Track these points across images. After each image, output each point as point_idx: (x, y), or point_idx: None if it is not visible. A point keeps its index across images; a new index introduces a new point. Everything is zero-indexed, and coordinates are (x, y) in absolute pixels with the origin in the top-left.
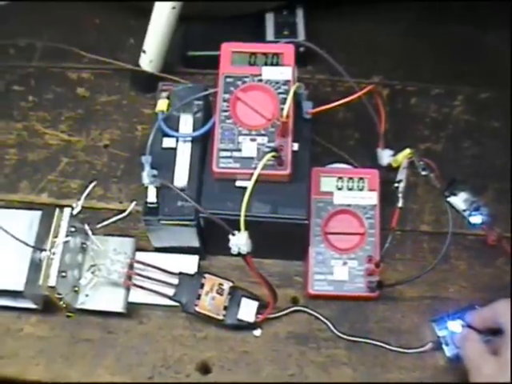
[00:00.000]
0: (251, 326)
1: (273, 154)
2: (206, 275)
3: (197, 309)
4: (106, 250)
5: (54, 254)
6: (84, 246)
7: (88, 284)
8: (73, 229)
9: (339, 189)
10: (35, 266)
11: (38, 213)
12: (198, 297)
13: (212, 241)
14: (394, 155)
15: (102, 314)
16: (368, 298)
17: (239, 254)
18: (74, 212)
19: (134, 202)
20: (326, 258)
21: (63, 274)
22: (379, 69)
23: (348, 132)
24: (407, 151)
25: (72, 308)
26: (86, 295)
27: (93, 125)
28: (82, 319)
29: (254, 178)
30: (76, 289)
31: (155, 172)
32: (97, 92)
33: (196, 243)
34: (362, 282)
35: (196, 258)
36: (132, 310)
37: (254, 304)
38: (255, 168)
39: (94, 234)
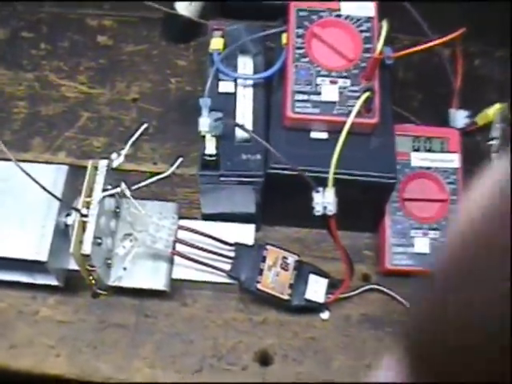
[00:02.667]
0: (319, 308)
1: (368, 94)
2: (268, 246)
3: (259, 286)
4: (148, 215)
5: (87, 215)
6: (117, 210)
7: (126, 255)
8: (109, 187)
9: (416, 150)
10: (61, 233)
11: (64, 167)
12: (260, 272)
13: (272, 206)
14: (471, 117)
15: (137, 294)
16: None
17: (322, 218)
18: (115, 164)
19: (181, 159)
20: (404, 228)
21: (98, 240)
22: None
23: (410, 92)
24: (497, 106)
25: (103, 285)
26: (124, 269)
27: (118, 76)
28: (113, 300)
29: (348, 123)
30: (109, 261)
31: (219, 114)
32: (121, 41)
33: (252, 209)
34: None
35: (252, 227)
36: (174, 289)
37: (324, 282)
38: (338, 115)
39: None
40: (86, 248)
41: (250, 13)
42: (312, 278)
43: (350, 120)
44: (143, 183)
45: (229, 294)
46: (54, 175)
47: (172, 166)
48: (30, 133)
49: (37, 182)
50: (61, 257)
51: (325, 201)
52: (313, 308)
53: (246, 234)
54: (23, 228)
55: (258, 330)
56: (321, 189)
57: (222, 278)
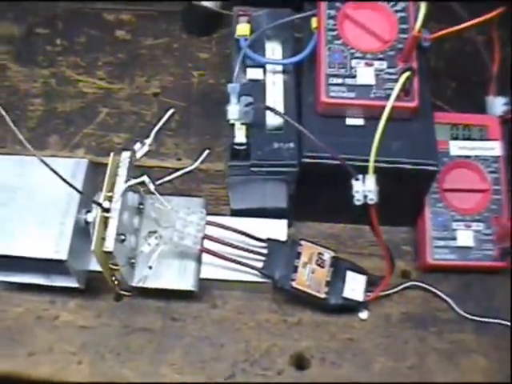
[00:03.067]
0: (358, 307)
1: (408, 74)
2: (303, 242)
3: (294, 284)
4: (174, 211)
5: (109, 210)
6: (141, 207)
7: (152, 253)
8: (132, 180)
9: (454, 138)
10: (81, 231)
11: (84, 161)
12: (294, 269)
13: (305, 199)
14: (509, 104)
15: (163, 296)
16: (497, 268)
17: (362, 208)
18: (138, 155)
19: (207, 151)
20: (445, 220)
21: (122, 237)
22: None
23: (443, 81)
24: None
25: (127, 286)
26: (150, 267)
27: (137, 71)
28: (137, 303)
29: (389, 107)
30: (133, 261)
31: (250, 99)
32: (140, 35)
33: (284, 203)
34: (490, 249)
35: (284, 222)
36: (202, 289)
37: (362, 279)
38: (375, 98)
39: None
40: (109, 245)
41: (271, 1)
42: (350, 275)
43: (390, 103)
44: (168, 178)
45: (261, 294)
46: (73, 169)
47: (197, 160)
48: (46, 130)
49: (56, 173)
50: (81, 257)
51: (365, 189)
52: (351, 307)
53: (278, 229)
54: (40, 226)
55: (292, 332)
56: (360, 176)
57: (254, 277)
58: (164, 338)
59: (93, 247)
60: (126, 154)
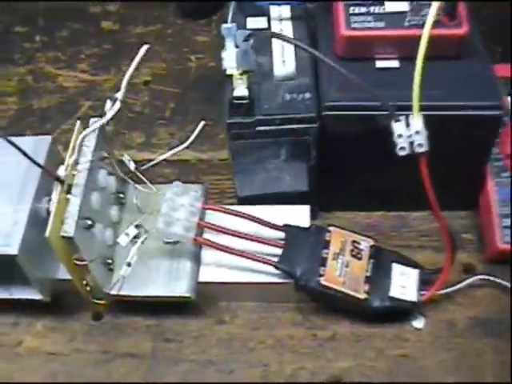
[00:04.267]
0: (410, 311)
1: None
2: (331, 228)
3: (323, 281)
4: (161, 195)
5: (70, 186)
6: (121, 197)
7: (131, 245)
8: (105, 154)
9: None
10: (41, 223)
11: (47, 138)
12: (322, 263)
13: (331, 178)
14: None
15: (153, 311)
16: None
17: (409, 158)
18: (109, 115)
19: (203, 122)
20: None
21: (88, 222)
22: None
23: (489, 46)
24: None
25: (101, 294)
26: (128, 264)
27: (125, 60)
28: (121, 322)
29: (427, 30)
30: (109, 261)
31: (247, 32)
32: (129, 24)
33: (304, 183)
34: None
35: (306, 208)
36: (205, 301)
37: (414, 273)
38: (410, 27)
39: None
40: (68, 228)
41: None
42: (396, 268)
43: (428, 25)
44: (155, 161)
45: (280, 302)
46: (33, 147)
47: (191, 135)
48: (19, 129)
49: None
50: (44, 259)
51: (411, 131)
52: (401, 310)
53: (298, 218)
54: None
55: (325, 350)
56: (403, 118)
57: (270, 277)
58: (155, 365)
59: (47, 232)
60: (94, 120)
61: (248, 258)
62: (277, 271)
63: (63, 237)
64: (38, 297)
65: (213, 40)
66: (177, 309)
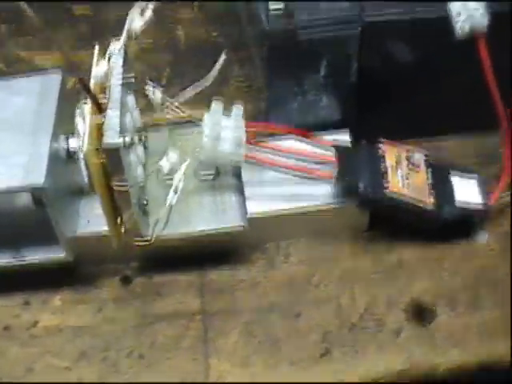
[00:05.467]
0: (479, 220)
1: None
2: (383, 142)
3: (390, 192)
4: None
5: (100, 104)
6: (143, 138)
7: (175, 170)
8: (132, 77)
9: None
10: (60, 166)
11: (56, 76)
12: (382, 176)
13: (370, 95)
14: None
15: (189, 265)
16: None
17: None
18: (138, 23)
19: (224, 55)
20: None
21: (127, 139)
22: None
23: None
24: None
25: (138, 238)
26: (175, 191)
27: (107, 39)
28: (154, 282)
29: None
30: (144, 202)
31: None
32: (103, 7)
33: (342, 109)
34: None
35: (346, 132)
36: (249, 241)
37: (473, 179)
38: None
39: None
40: (111, 138)
41: None
42: (455, 177)
43: None
44: (183, 97)
45: (336, 234)
46: (43, 86)
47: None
48: None
49: None
50: (64, 208)
51: (470, 6)
52: (471, 217)
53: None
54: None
55: (396, 276)
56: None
57: (325, 200)
58: (209, 321)
59: (84, 147)
60: (115, 41)
61: (305, 172)
62: (329, 195)
63: (105, 150)
64: (61, 254)
65: (198, 15)
66: (218, 259)
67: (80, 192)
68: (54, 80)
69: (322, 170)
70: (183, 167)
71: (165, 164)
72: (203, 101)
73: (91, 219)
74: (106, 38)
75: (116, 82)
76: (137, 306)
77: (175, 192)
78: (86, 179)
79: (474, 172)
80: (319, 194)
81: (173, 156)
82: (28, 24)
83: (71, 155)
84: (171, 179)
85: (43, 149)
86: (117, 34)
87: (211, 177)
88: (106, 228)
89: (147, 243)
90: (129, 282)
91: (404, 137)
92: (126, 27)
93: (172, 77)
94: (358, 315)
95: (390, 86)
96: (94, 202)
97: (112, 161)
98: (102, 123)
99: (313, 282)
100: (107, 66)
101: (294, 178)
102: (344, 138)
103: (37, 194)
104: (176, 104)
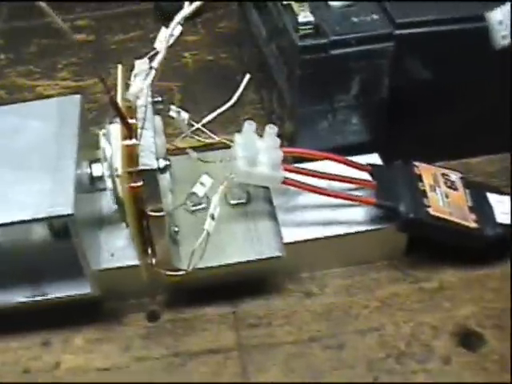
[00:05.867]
0: None
1: None
2: (417, 163)
3: (432, 212)
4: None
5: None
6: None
7: (211, 193)
8: (159, 98)
9: None
10: (84, 194)
11: (76, 97)
12: (422, 195)
13: (400, 116)
14: None
15: (220, 297)
16: None
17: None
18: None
19: (248, 75)
20: None
21: (162, 161)
22: None
23: None
24: None
25: (171, 265)
26: (212, 217)
27: (112, 64)
28: (185, 317)
29: None
30: (175, 230)
31: None
32: (106, 33)
33: (372, 130)
34: None
35: (375, 156)
36: (283, 270)
37: (507, 200)
38: None
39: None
40: (148, 159)
41: None
42: (491, 196)
43: None
44: (201, 123)
45: (370, 260)
46: (63, 108)
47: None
48: None
49: None
50: (90, 238)
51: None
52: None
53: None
54: (22, 184)
55: (439, 301)
56: (497, 6)
57: (361, 226)
58: (247, 356)
59: (120, 169)
60: (141, 61)
61: (343, 198)
62: (363, 220)
63: (143, 172)
64: (86, 290)
65: (203, 38)
66: (250, 289)
67: (100, 223)
68: (73, 103)
69: (364, 195)
70: (220, 191)
71: (199, 189)
72: (215, 126)
73: (115, 252)
74: (111, 63)
75: (147, 102)
76: (168, 343)
77: (212, 218)
78: (112, 207)
79: (505, 192)
80: (355, 217)
81: (207, 180)
82: (25, 53)
83: (94, 182)
84: (195, 206)
85: (68, 174)
86: (119, 59)
87: (242, 202)
88: (131, 261)
89: (181, 275)
90: (156, 317)
91: (433, 159)
92: (158, 44)
93: (185, 102)
94: (404, 343)
95: (420, 104)
96: (115, 234)
97: (149, 184)
98: (135, 145)
99: (352, 311)
100: (138, 85)
101: (326, 201)
102: (374, 161)
103: (61, 223)
104: (200, 127)
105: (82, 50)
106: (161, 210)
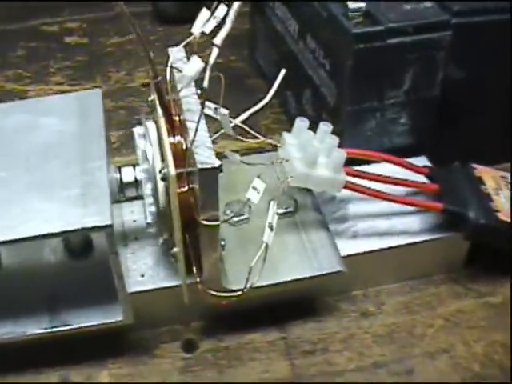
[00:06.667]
0: None
1: None
2: (475, 165)
3: (502, 217)
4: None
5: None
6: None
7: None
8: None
9: None
10: (113, 194)
11: (96, 91)
12: (488, 199)
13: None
14: None
15: (266, 322)
16: None
17: None
18: (208, 28)
19: (284, 70)
20: None
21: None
22: None
23: None
24: None
25: (217, 284)
26: (271, 228)
27: (110, 67)
28: (227, 346)
29: None
30: (222, 243)
31: None
32: (100, 36)
33: (414, 132)
34: None
35: (423, 158)
36: (335, 288)
37: None
38: None
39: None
40: (208, 157)
41: None
42: None
43: None
44: (232, 124)
45: (428, 273)
46: (83, 103)
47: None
48: None
49: None
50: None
51: None
52: None
53: None
54: (50, 192)
55: (506, 317)
56: None
57: (420, 236)
58: None
59: (171, 171)
60: (177, 49)
61: (409, 204)
62: (421, 229)
63: (200, 171)
64: (117, 317)
65: (208, 41)
66: (298, 311)
67: (124, 239)
68: (94, 98)
69: (429, 201)
70: (276, 198)
71: (253, 196)
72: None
73: (145, 272)
74: (109, 66)
75: (192, 92)
76: (211, 376)
77: (271, 229)
78: (136, 220)
79: None
80: (412, 226)
81: (260, 185)
82: (13, 57)
83: (123, 189)
84: (237, 216)
85: (100, 178)
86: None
87: (290, 211)
88: (166, 281)
89: (238, 295)
90: (194, 346)
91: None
92: (195, 29)
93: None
94: (479, 364)
95: (472, 103)
96: (142, 251)
97: (207, 187)
98: (183, 142)
99: (417, 331)
100: (198, 63)
101: (378, 209)
102: (423, 164)
103: (79, 239)
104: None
105: (74, 54)
106: (216, 219)
